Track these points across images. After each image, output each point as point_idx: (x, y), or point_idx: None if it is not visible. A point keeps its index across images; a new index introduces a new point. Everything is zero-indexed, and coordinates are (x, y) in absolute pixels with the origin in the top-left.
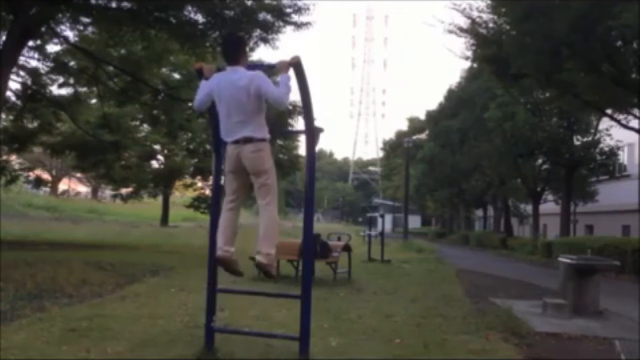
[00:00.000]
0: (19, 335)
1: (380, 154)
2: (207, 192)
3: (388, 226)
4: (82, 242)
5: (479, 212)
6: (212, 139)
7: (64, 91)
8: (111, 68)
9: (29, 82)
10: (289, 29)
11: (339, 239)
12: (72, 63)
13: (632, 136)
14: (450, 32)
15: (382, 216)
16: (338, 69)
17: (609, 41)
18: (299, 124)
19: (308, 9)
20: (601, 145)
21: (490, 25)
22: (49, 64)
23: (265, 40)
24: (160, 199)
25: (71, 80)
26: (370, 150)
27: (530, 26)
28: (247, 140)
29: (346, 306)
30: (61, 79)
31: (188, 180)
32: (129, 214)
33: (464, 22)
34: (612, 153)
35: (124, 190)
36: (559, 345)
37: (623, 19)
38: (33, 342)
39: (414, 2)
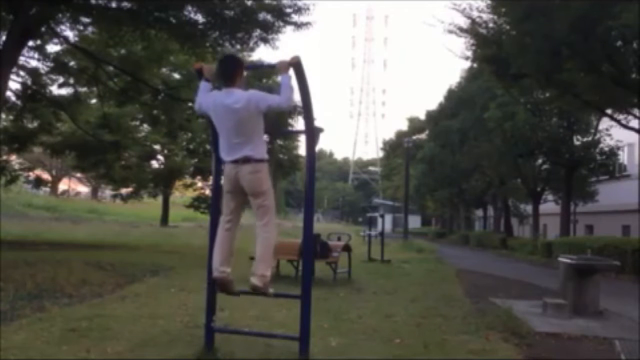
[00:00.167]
0: (19, 335)
1: (380, 154)
2: (207, 192)
3: (388, 226)
4: (82, 242)
5: (479, 212)
6: (212, 139)
7: (64, 91)
8: (111, 68)
9: (29, 82)
10: (289, 29)
11: (339, 239)
12: (72, 63)
13: (632, 136)
14: (450, 32)
15: (382, 216)
16: (338, 69)
17: (609, 41)
18: (299, 124)
19: (308, 9)
20: (601, 145)
21: (490, 25)
22: (49, 64)
23: (265, 40)
24: (160, 199)
25: (71, 80)
26: (370, 150)
27: (530, 26)
28: (246, 160)
29: (346, 306)
30: (61, 79)
31: (188, 180)
32: (129, 214)
33: (464, 22)
34: (612, 153)
35: (124, 190)
36: (559, 345)
37: (623, 19)
38: (33, 342)
39: (414, 2)
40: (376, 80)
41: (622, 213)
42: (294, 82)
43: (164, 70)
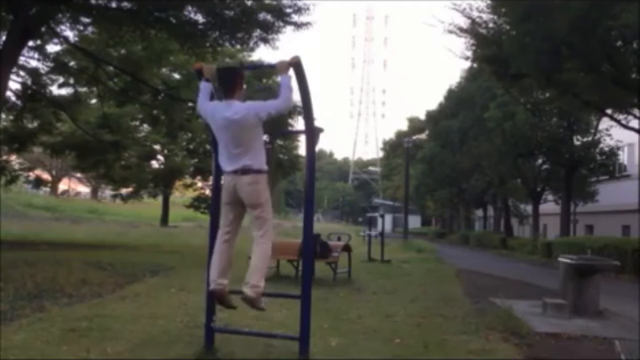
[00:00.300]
0: (19, 335)
1: (380, 154)
2: (207, 192)
3: (388, 226)
4: (82, 242)
5: (479, 212)
6: (211, 139)
7: (64, 91)
8: (111, 68)
9: (29, 82)
10: (289, 29)
11: (339, 239)
12: (72, 63)
13: (632, 136)
14: (450, 32)
15: (382, 216)
16: (338, 69)
17: (609, 41)
18: (299, 124)
19: (308, 9)
20: (601, 145)
21: (490, 25)
22: (49, 64)
23: (265, 40)
24: (160, 199)
25: (71, 80)
26: (370, 150)
27: (530, 26)
28: (245, 171)
29: (346, 306)
30: (61, 79)
31: (188, 180)
32: (129, 214)
33: (464, 22)
34: (612, 153)
35: (124, 190)
36: (559, 345)
37: (623, 19)
38: (33, 342)
39: (414, 2)
40: (376, 80)
41: (622, 213)
42: (294, 82)
43: (164, 70)
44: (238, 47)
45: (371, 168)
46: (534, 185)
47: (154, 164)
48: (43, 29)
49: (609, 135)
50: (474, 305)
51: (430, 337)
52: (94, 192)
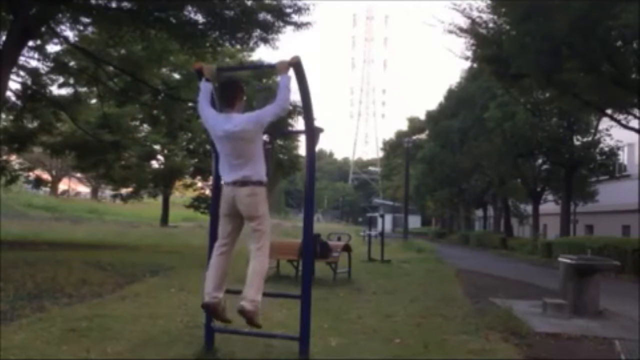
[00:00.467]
0: (19, 335)
1: (380, 154)
2: (207, 192)
3: (388, 226)
4: (82, 242)
5: (479, 212)
6: (212, 142)
7: (64, 91)
8: (111, 68)
9: (29, 82)
10: (289, 29)
11: (339, 239)
12: (72, 63)
13: (632, 136)
14: (450, 32)
15: (382, 216)
16: (338, 69)
17: (609, 41)
18: (299, 124)
19: (308, 9)
20: (601, 145)
21: (490, 25)
22: (49, 64)
23: (265, 40)
24: (160, 199)
25: (71, 80)
26: (370, 150)
27: (530, 26)
28: (244, 183)
29: (346, 306)
30: (61, 79)
31: (188, 180)
32: (129, 214)
33: (464, 22)
34: (612, 153)
35: (124, 190)
36: (559, 345)
37: (623, 19)
38: (33, 342)
39: (414, 2)
40: (376, 80)
41: (622, 213)
42: (294, 83)
43: (164, 70)
44: (238, 47)
45: (371, 168)
46: (534, 185)
47: (154, 164)
48: (43, 29)
49: (609, 135)
50: (474, 305)
51: (430, 337)
52: (94, 192)
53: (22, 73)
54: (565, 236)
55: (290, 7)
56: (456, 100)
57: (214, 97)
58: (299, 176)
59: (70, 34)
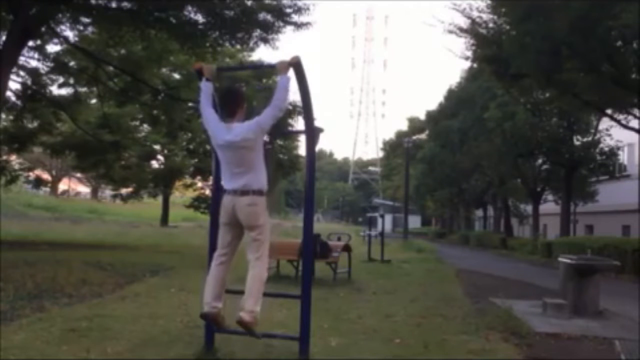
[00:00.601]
0: (19, 335)
1: (380, 154)
2: (207, 192)
3: (388, 226)
4: (82, 242)
5: (479, 212)
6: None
7: (64, 91)
8: (111, 68)
9: (29, 82)
10: (289, 29)
11: (339, 239)
12: (72, 63)
13: (632, 136)
14: (450, 32)
15: (382, 216)
16: (338, 69)
17: (609, 41)
18: (299, 124)
19: (308, 9)
20: (601, 145)
21: (490, 25)
22: (49, 64)
23: (265, 40)
24: (160, 199)
25: (71, 80)
26: (370, 150)
27: (530, 26)
28: (244, 192)
29: (346, 306)
30: (61, 79)
31: (188, 180)
32: (129, 214)
33: (464, 22)
34: (612, 153)
35: (124, 190)
36: (559, 345)
37: (623, 19)
38: (33, 342)
39: (414, 2)
40: (376, 80)
41: (622, 213)
42: (294, 83)
43: (164, 70)
44: (238, 47)
45: (371, 168)
46: (534, 185)
47: (154, 164)
48: (43, 29)
49: (609, 135)
50: (474, 305)
51: (430, 337)
52: (94, 192)
53: (22, 73)
54: (565, 236)
55: (290, 7)
56: (456, 100)
57: (215, 98)
58: (299, 176)
59: (70, 34)
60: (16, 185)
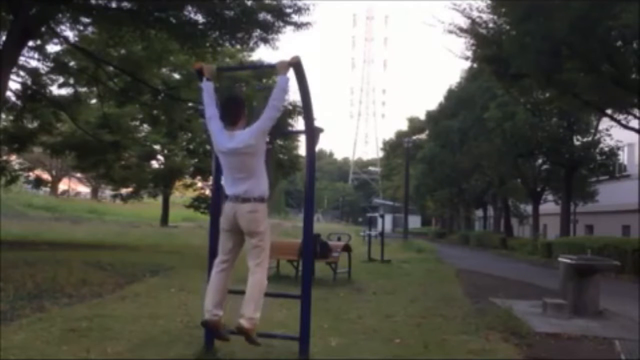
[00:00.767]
0: (19, 335)
1: (380, 154)
2: (207, 192)
3: (388, 226)
4: (82, 242)
5: (479, 212)
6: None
7: (64, 91)
8: (111, 68)
9: (29, 82)
10: (289, 29)
11: (339, 239)
12: (72, 63)
13: (632, 136)
14: (450, 32)
15: (382, 216)
16: (338, 69)
17: (609, 41)
18: (299, 124)
19: (308, 9)
20: (601, 145)
21: (490, 25)
22: (49, 64)
23: (265, 41)
24: (160, 199)
25: (71, 80)
26: (370, 150)
27: (530, 26)
28: (245, 199)
29: (346, 306)
30: (61, 79)
31: (188, 180)
32: (129, 214)
33: (464, 22)
34: (612, 153)
35: (124, 191)
36: (559, 345)
37: (623, 19)
38: (33, 342)
39: (414, 2)
40: (376, 80)
41: (622, 213)
42: (294, 83)
43: (164, 70)
44: (238, 47)
45: (371, 168)
46: (534, 185)
47: (154, 164)
48: (43, 29)
49: (609, 135)
50: (474, 305)
51: (430, 337)
52: (94, 192)
53: (22, 73)
54: (565, 236)
55: (290, 7)
56: (456, 100)
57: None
58: (299, 176)
59: (70, 34)
60: (16, 185)
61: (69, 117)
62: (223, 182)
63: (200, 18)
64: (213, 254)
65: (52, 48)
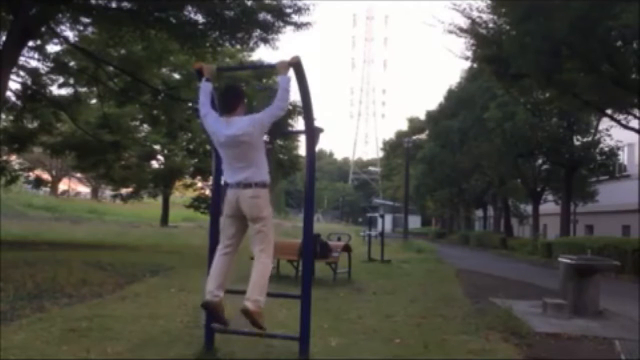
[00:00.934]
0: (19, 335)
1: (380, 154)
2: (207, 192)
3: (388, 226)
4: (82, 242)
5: (479, 212)
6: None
7: (64, 91)
8: (111, 68)
9: (29, 82)
10: (289, 29)
11: (339, 239)
12: (72, 63)
13: (632, 136)
14: (450, 32)
15: (382, 216)
16: (338, 69)
17: (609, 41)
18: (299, 124)
19: (308, 9)
20: (601, 145)
21: (490, 25)
22: (49, 64)
23: (265, 41)
24: (160, 199)
25: (71, 80)
26: (370, 150)
27: (530, 26)
28: (247, 185)
29: (346, 306)
30: (61, 79)
31: (188, 180)
32: (129, 214)
33: (464, 22)
34: (612, 153)
35: (124, 191)
36: (559, 345)
37: (623, 19)
38: (33, 342)
39: (414, 2)
40: (376, 80)
41: (622, 213)
42: (294, 83)
43: (164, 70)
44: (238, 47)
45: (371, 168)
46: (534, 185)
47: (154, 164)
48: (43, 29)
49: (609, 135)
50: (474, 305)
51: (430, 337)
52: (94, 192)
53: (22, 73)
54: (565, 236)
55: (290, 7)
56: (456, 100)
57: (214, 98)
58: (299, 176)
59: (70, 34)
60: (16, 185)
61: (69, 117)
62: (224, 173)
63: (200, 18)
64: (213, 253)
65: (52, 48)
